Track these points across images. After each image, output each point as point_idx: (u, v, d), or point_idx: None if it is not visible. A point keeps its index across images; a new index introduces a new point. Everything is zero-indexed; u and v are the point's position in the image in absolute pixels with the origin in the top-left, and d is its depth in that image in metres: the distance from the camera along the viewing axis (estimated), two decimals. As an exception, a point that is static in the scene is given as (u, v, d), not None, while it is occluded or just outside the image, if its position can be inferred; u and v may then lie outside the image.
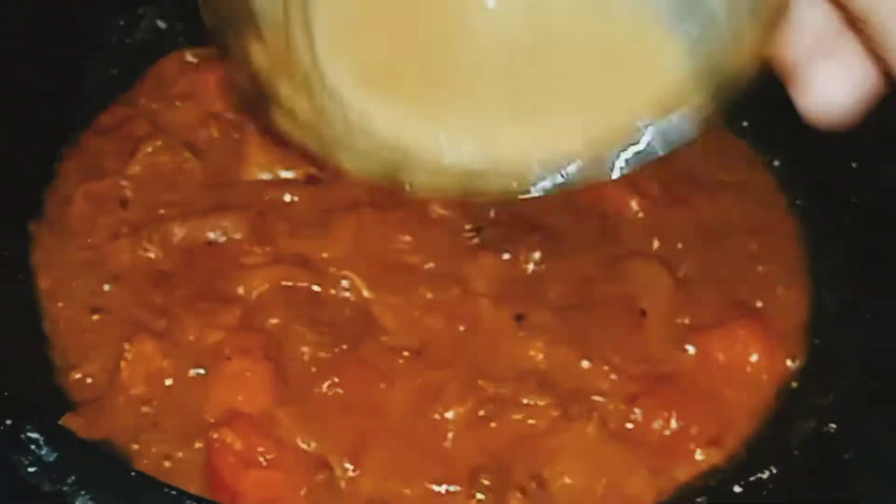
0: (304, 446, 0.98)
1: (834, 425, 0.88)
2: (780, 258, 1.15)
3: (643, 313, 1.08)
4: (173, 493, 0.80)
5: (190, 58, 1.28)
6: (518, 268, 1.12)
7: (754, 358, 1.07)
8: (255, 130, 1.20)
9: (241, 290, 1.09)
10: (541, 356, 1.05)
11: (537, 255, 1.11)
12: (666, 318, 1.09)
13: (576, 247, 1.13)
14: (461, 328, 1.07)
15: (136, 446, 0.98)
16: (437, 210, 1.16)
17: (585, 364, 1.04)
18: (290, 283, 1.10)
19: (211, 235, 1.13)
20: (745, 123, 1.28)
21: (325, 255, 1.12)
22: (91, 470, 0.83)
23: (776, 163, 1.25)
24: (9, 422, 0.83)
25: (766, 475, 0.84)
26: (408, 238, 1.13)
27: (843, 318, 1.09)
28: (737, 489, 0.84)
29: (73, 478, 0.83)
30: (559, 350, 1.05)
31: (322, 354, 1.04)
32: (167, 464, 0.97)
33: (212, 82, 1.25)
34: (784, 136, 1.23)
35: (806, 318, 1.11)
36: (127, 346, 1.02)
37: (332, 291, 1.10)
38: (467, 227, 1.14)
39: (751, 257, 1.15)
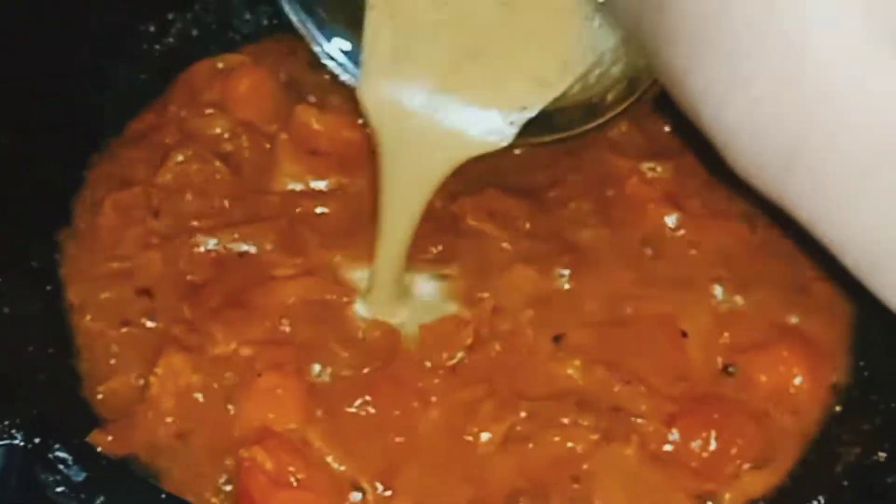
0: (336, 466, 0.96)
1: (883, 454, 0.85)
2: (824, 278, 1.12)
3: (684, 334, 1.06)
4: (203, 515, 0.77)
5: (220, 65, 1.26)
6: (553, 284, 1.09)
7: (798, 380, 1.04)
8: (287, 140, 1.19)
9: (270, 303, 1.07)
10: (578, 375, 1.02)
11: (568, 271, 1.09)
12: (707, 338, 1.06)
13: (613, 264, 1.11)
14: (497, 347, 1.05)
15: (164, 463, 0.96)
16: (470, 221, 1.13)
17: (624, 385, 1.02)
18: (320, 297, 1.07)
19: (241, 247, 1.11)
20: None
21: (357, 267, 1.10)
22: (120, 491, 0.81)
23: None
24: (37, 440, 0.81)
25: (814, 504, 0.82)
26: (440, 248, 1.11)
27: (889, 339, 1.06)
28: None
29: (101, 498, 0.81)
30: (597, 370, 1.02)
31: (352, 373, 1.02)
32: (196, 482, 0.94)
33: (243, 90, 1.23)
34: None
35: (850, 339, 1.08)
36: (157, 360, 1.00)
37: (363, 308, 1.08)
38: (503, 243, 1.11)
39: (794, 276, 1.12)
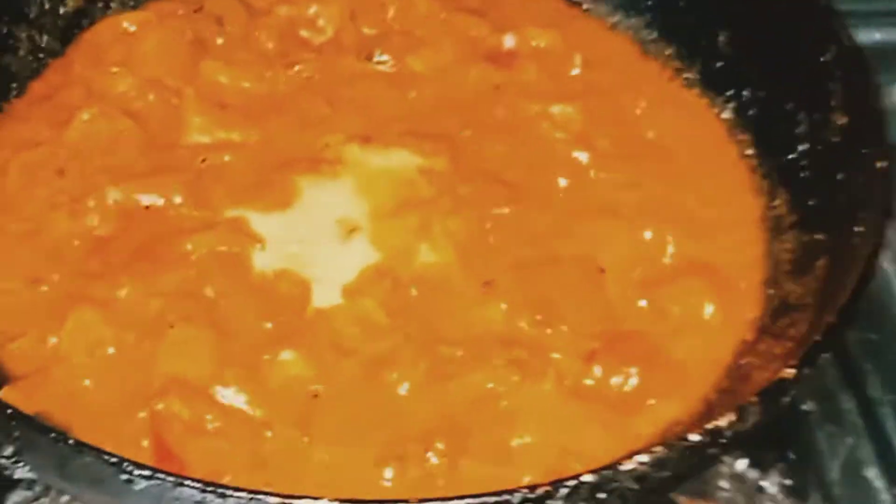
0: (251, 414, 0.95)
1: (791, 370, 0.87)
2: (734, 210, 1.14)
3: (602, 270, 1.06)
4: (113, 459, 0.76)
5: (125, 23, 1.25)
6: (480, 227, 1.10)
7: (709, 310, 1.05)
8: (193, 94, 1.18)
9: (178, 255, 1.06)
10: (501, 318, 1.03)
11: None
12: (623, 274, 1.07)
13: (532, 205, 1.11)
14: (413, 291, 1.04)
15: (77, 418, 0.94)
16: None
17: (545, 325, 1.02)
18: (227, 249, 1.07)
19: (148, 200, 1.10)
20: (693, 74, 1.27)
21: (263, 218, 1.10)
22: (29, 440, 0.80)
23: (725, 114, 1.23)
24: (-60, 394, 0.80)
25: (724, 423, 0.83)
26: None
27: (797, 266, 1.07)
28: (694, 437, 0.82)
29: (10, 449, 0.80)
30: (519, 312, 1.03)
31: (264, 323, 1.02)
32: (109, 435, 0.93)
33: (148, 48, 1.22)
34: (733, 87, 1.22)
35: (760, 269, 1.10)
36: (67, 316, 0.98)
37: (272, 256, 1.07)
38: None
39: (703, 211, 1.14)
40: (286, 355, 0.99)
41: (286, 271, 1.06)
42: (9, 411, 0.80)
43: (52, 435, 0.78)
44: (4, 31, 1.21)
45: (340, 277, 1.06)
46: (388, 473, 0.92)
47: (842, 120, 1.08)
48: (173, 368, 0.97)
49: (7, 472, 0.83)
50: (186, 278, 1.04)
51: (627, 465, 0.80)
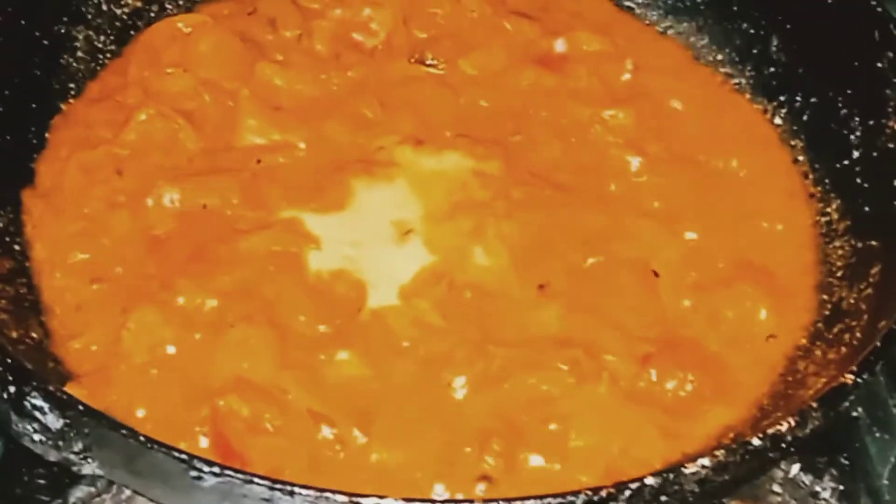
0: (312, 412, 0.96)
1: (850, 376, 0.87)
2: (786, 215, 1.14)
3: (655, 274, 1.07)
4: (183, 456, 0.77)
5: (180, 24, 1.26)
6: (532, 231, 1.10)
7: (762, 315, 1.05)
8: (249, 96, 1.19)
9: (235, 256, 1.07)
10: (555, 321, 1.03)
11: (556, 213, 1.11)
12: (677, 278, 1.07)
13: (586, 208, 1.12)
14: (468, 294, 1.05)
15: (139, 415, 0.95)
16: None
17: (600, 328, 1.03)
18: (284, 249, 1.08)
19: (205, 201, 1.11)
20: (744, 80, 1.27)
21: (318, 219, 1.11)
22: (98, 436, 0.81)
23: (777, 120, 1.23)
24: (12, 389, 0.81)
25: (784, 428, 0.83)
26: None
27: (851, 272, 1.07)
28: (755, 442, 0.83)
29: (79, 445, 0.81)
30: (574, 315, 1.03)
31: (322, 323, 1.03)
32: (172, 432, 0.94)
33: (204, 49, 1.23)
34: (785, 92, 1.22)
35: (813, 273, 1.10)
36: (128, 314, 1.00)
37: (327, 257, 1.08)
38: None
39: (756, 216, 1.14)
40: (343, 355, 1.00)
41: (342, 272, 1.07)
42: (80, 407, 0.81)
43: (124, 431, 0.79)
44: (62, 31, 1.22)
45: (396, 279, 1.07)
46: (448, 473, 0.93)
47: (897, 126, 1.09)
48: (234, 367, 0.98)
49: (74, 468, 0.84)
50: (243, 278, 1.05)
51: (691, 469, 0.81)
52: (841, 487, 1.02)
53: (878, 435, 1.09)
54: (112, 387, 0.97)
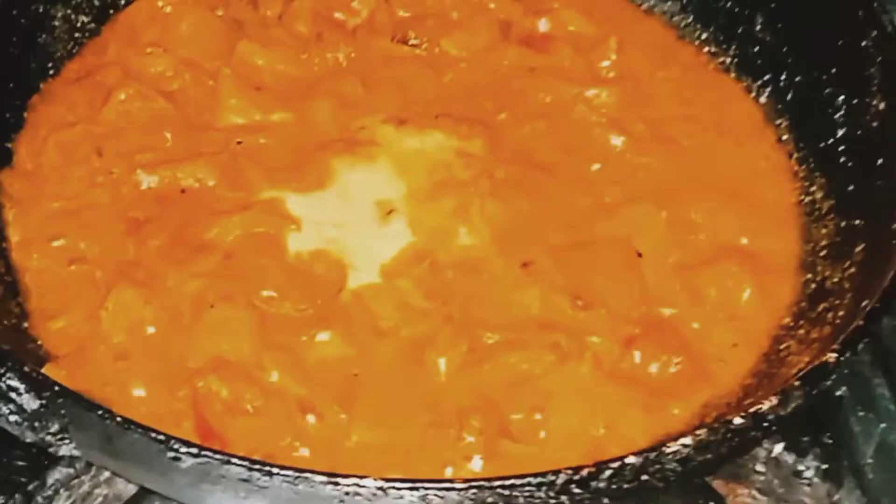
0: (292, 393, 0.96)
1: (833, 355, 0.87)
2: (770, 194, 1.14)
3: (639, 254, 1.07)
4: (161, 437, 0.77)
5: (160, 3, 1.24)
6: (515, 210, 1.10)
7: (746, 294, 1.05)
8: (230, 75, 1.18)
9: (215, 237, 1.06)
10: (537, 300, 1.03)
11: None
12: (660, 258, 1.07)
13: (570, 187, 1.11)
14: (450, 274, 1.05)
15: (118, 397, 0.95)
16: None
17: (581, 306, 1.02)
18: (264, 230, 1.07)
19: (184, 182, 1.10)
20: (729, 59, 1.26)
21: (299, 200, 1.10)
22: (75, 417, 0.80)
23: (762, 99, 1.23)
24: (-13, 370, 0.80)
25: (766, 407, 0.83)
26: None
27: (835, 251, 1.07)
28: (737, 421, 0.82)
29: (56, 426, 0.80)
30: (557, 295, 1.03)
31: (302, 304, 1.02)
32: (151, 413, 0.94)
33: (184, 28, 1.22)
34: (770, 71, 1.22)
35: (797, 253, 1.10)
36: (107, 295, 0.99)
37: (308, 238, 1.07)
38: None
39: (740, 195, 1.14)
40: (323, 336, 1.00)
41: (322, 252, 1.06)
42: (56, 388, 0.80)
43: (100, 412, 0.78)
44: (40, 10, 1.21)
45: (377, 259, 1.06)
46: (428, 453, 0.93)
47: (881, 105, 1.08)
48: (213, 348, 0.97)
49: (51, 450, 0.83)
50: (223, 259, 1.04)
51: (672, 448, 0.80)
52: (825, 466, 1.01)
53: (861, 414, 1.08)
54: (91, 367, 0.96)
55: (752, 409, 0.84)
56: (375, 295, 1.04)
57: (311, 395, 0.96)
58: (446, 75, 1.24)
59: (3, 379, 0.80)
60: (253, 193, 1.11)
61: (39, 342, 0.99)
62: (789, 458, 1.01)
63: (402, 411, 0.96)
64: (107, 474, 0.92)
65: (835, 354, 0.87)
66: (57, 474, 0.92)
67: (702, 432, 0.82)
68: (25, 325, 1.00)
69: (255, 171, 1.12)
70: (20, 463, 0.92)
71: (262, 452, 0.91)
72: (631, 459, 0.79)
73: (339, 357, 0.99)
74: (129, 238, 1.06)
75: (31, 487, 0.91)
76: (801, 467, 1.01)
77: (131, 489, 0.93)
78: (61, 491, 0.91)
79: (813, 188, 1.14)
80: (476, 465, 0.93)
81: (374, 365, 0.99)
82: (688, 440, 0.81)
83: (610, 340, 1.01)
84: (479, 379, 0.98)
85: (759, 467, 1.01)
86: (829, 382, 0.88)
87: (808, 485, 1.00)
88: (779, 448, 1.01)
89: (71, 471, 0.92)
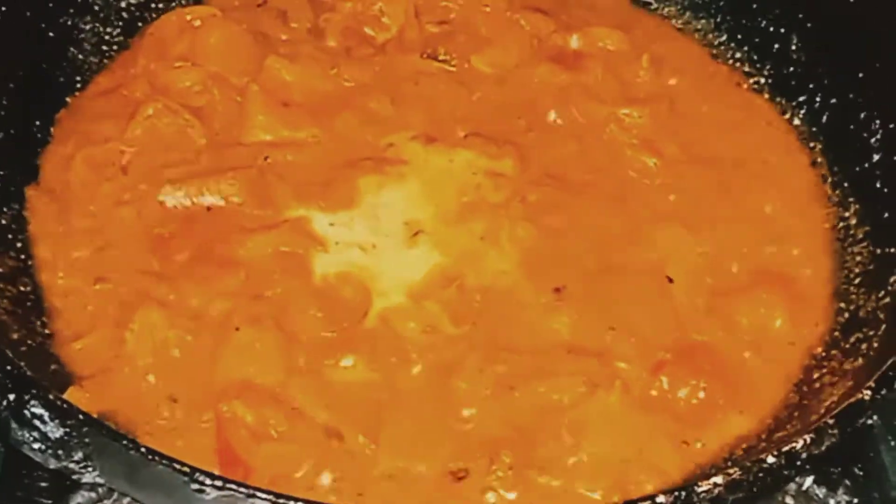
0: (318, 419, 0.95)
1: (868, 392, 0.85)
2: (803, 219, 1.12)
3: (670, 280, 1.05)
4: (185, 469, 0.76)
5: (189, 17, 1.24)
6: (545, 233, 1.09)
7: (778, 322, 1.03)
8: (258, 91, 1.17)
9: (240, 256, 1.05)
10: (566, 327, 1.01)
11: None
12: (692, 284, 1.05)
13: (601, 210, 1.10)
14: (477, 298, 1.03)
15: (141, 419, 0.94)
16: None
17: (611, 333, 1.01)
18: (291, 250, 1.06)
19: (209, 200, 1.09)
20: (763, 79, 1.25)
21: (326, 218, 1.09)
22: (99, 446, 0.79)
23: (796, 120, 1.21)
24: (11, 397, 0.80)
25: (800, 445, 0.82)
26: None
27: (869, 280, 1.05)
28: (769, 459, 0.81)
29: (80, 454, 0.80)
30: (587, 320, 1.02)
31: (329, 327, 1.01)
32: (175, 438, 0.93)
33: (213, 42, 1.22)
34: (805, 92, 1.20)
35: (830, 280, 1.08)
36: (131, 316, 0.98)
37: (334, 258, 1.06)
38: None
39: (772, 220, 1.12)
40: (347, 361, 0.99)
41: (349, 274, 1.05)
42: (80, 416, 0.79)
43: (125, 442, 0.78)
44: (69, 23, 1.21)
45: (404, 282, 1.05)
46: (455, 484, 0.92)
47: (919, 130, 1.06)
48: (239, 371, 0.96)
49: (75, 477, 0.82)
50: (249, 279, 1.03)
51: (703, 487, 0.79)
52: (855, 500, 1.00)
53: (893, 444, 1.06)
54: (115, 389, 0.96)
55: (785, 448, 0.82)
56: (402, 318, 1.02)
57: (336, 422, 0.95)
58: (476, 92, 1.23)
59: (28, 406, 0.79)
60: (280, 211, 1.10)
61: (63, 363, 0.98)
62: (819, 492, 0.99)
63: (429, 440, 0.95)
64: (128, 499, 0.91)
65: (870, 392, 0.86)
66: (79, 498, 0.91)
67: (734, 471, 0.80)
68: (49, 345, 0.99)
69: (283, 189, 1.11)
70: (43, 485, 0.92)
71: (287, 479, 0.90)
72: (661, 499, 0.78)
73: (364, 382, 0.98)
74: (154, 256, 1.05)
75: (53, 511, 0.90)
76: (831, 501, 0.99)
77: (152, 513, 0.93)
78: (83, 516, 0.91)
79: (847, 214, 1.12)
80: (505, 498, 0.92)
81: (400, 391, 0.98)
82: (719, 479, 0.80)
83: (639, 367, 1.00)
84: (507, 407, 0.97)
85: (789, 500, 0.99)
86: (864, 420, 0.86)
87: (839, 518, 0.99)
88: (809, 481, 1.00)
89: (93, 495, 0.91)
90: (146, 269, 1.04)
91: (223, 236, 1.07)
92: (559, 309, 1.03)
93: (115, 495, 0.91)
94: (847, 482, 1.01)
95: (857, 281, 1.07)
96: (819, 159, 1.18)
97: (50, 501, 0.91)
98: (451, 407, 0.97)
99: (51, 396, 0.80)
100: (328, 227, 1.09)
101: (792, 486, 0.99)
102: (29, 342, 0.96)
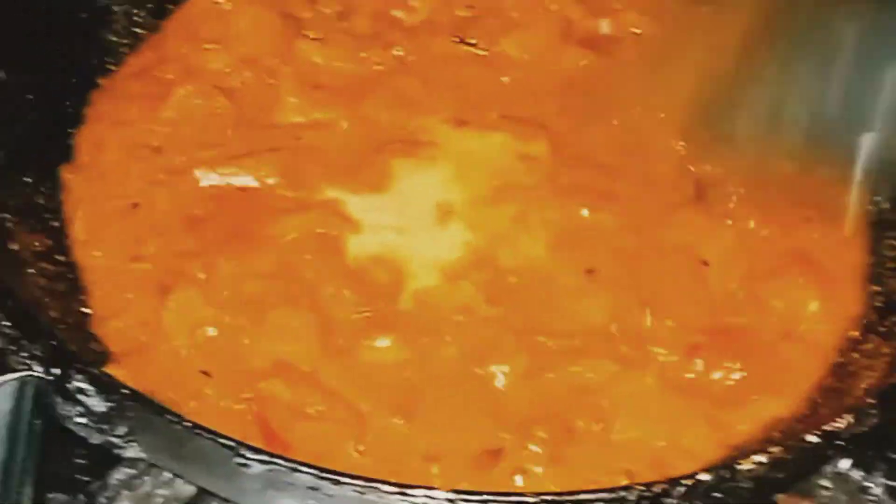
0: (353, 399, 0.95)
1: (904, 375, 0.86)
2: (837, 202, 1.12)
3: (705, 263, 1.05)
4: (230, 443, 0.76)
5: (219, 0, 1.24)
6: (580, 215, 1.08)
7: (813, 306, 1.03)
8: (289, 73, 1.17)
9: (273, 237, 1.05)
10: (600, 309, 1.01)
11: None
12: (726, 267, 1.05)
13: (634, 193, 1.10)
14: (512, 279, 1.03)
15: (179, 398, 0.94)
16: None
17: (647, 315, 1.01)
18: (324, 231, 1.06)
19: (242, 180, 1.09)
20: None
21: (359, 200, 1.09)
22: (143, 420, 0.79)
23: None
24: (57, 371, 0.80)
25: (842, 425, 0.82)
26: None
27: (904, 265, 1.05)
28: (811, 438, 0.81)
29: (124, 428, 0.80)
30: (619, 302, 1.01)
31: (362, 309, 1.01)
32: (212, 415, 0.93)
33: (243, 25, 1.22)
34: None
35: (864, 264, 1.08)
36: (168, 295, 0.98)
37: (368, 239, 1.06)
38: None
39: (806, 202, 1.11)
40: (383, 342, 0.99)
41: (382, 256, 1.05)
42: (125, 391, 0.79)
43: (169, 416, 0.78)
44: (101, 5, 1.22)
45: (437, 264, 1.05)
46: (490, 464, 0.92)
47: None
48: (275, 351, 0.96)
49: (117, 451, 0.82)
50: (283, 260, 1.04)
51: (745, 465, 0.79)
52: (892, 484, 0.99)
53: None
54: (152, 368, 0.96)
55: (826, 427, 0.82)
56: (436, 299, 1.02)
57: (371, 401, 0.95)
58: (505, 76, 1.22)
59: (72, 381, 0.79)
60: (313, 193, 1.10)
61: (100, 341, 0.98)
62: (856, 475, 0.99)
63: (463, 420, 0.95)
64: (167, 475, 0.91)
65: (904, 375, 0.86)
66: (119, 474, 0.91)
67: (775, 449, 0.80)
68: (86, 323, 0.99)
69: (315, 170, 1.11)
70: (82, 461, 0.92)
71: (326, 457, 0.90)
72: (703, 476, 0.78)
73: (399, 363, 0.98)
74: (189, 235, 1.05)
75: (93, 487, 0.90)
76: (867, 484, 0.99)
77: (190, 490, 0.93)
78: (123, 492, 0.90)
79: (879, 197, 1.12)
80: (539, 476, 0.92)
81: (435, 372, 0.98)
82: (762, 458, 0.80)
83: (674, 349, 0.99)
84: (541, 388, 0.97)
85: (825, 482, 0.99)
86: (901, 402, 0.86)
87: (876, 501, 0.98)
88: (845, 464, 0.99)
89: (133, 471, 0.91)
90: (182, 248, 1.04)
91: (257, 217, 1.07)
92: (593, 291, 1.03)
93: (154, 471, 0.91)
94: (884, 466, 1.01)
95: (890, 265, 1.07)
96: (853, 144, 1.17)
97: (90, 478, 0.91)
98: (486, 387, 0.97)
99: (95, 371, 0.80)
100: (360, 210, 1.09)
101: (828, 469, 0.99)
102: (68, 320, 0.96)
